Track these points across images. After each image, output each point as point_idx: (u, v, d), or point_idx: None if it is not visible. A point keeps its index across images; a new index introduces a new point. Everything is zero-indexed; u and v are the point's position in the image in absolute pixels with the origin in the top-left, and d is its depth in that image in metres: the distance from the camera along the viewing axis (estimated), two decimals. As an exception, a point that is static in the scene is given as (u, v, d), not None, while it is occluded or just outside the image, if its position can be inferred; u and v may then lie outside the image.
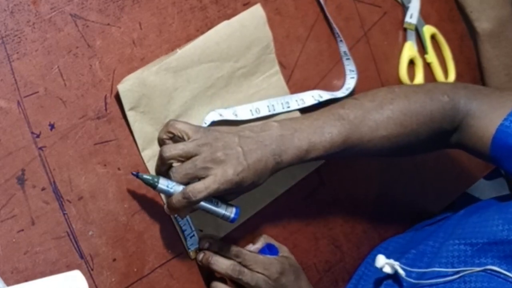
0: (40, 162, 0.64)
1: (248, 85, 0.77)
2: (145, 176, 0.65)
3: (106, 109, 0.68)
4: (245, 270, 0.72)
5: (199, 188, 0.64)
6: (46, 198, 0.65)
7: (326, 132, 0.70)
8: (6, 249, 0.62)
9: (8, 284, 0.61)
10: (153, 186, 0.65)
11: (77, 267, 0.65)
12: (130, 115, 0.69)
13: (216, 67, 0.74)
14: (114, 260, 0.68)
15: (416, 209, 0.93)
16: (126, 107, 0.68)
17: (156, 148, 0.69)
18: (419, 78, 0.94)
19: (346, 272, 0.86)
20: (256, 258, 0.73)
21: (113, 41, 0.69)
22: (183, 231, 0.72)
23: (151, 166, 0.70)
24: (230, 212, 0.68)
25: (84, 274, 0.62)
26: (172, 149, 0.65)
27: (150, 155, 0.70)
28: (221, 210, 0.67)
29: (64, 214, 0.65)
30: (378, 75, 0.90)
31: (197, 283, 0.74)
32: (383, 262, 0.74)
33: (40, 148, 0.65)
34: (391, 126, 0.73)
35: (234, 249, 0.72)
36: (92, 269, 0.67)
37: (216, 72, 0.74)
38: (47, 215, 0.64)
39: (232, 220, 0.68)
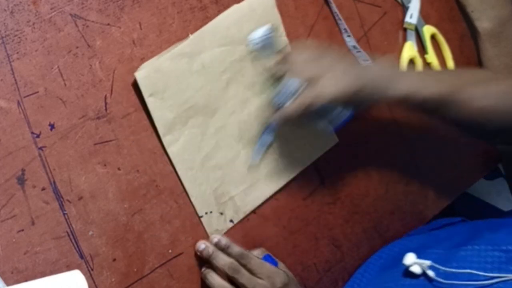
0: (40, 162, 0.64)
1: (261, 69, 0.77)
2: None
3: (106, 109, 0.68)
4: (244, 271, 0.71)
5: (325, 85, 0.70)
6: (46, 198, 0.65)
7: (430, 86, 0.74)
8: (6, 249, 0.62)
9: (8, 284, 0.61)
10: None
11: (77, 267, 0.65)
12: (149, 101, 0.69)
13: (229, 51, 0.75)
14: (114, 260, 0.68)
15: (416, 209, 0.93)
16: (145, 94, 0.69)
17: (176, 133, 0.71)
18: (419, 78, 0.93)
19: (346, 272, 0.86)
20: (262, 264, 0.72)
21: (113, 41, 0.69)
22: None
23: (172, 152, 0.71)
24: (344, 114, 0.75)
25: (84, 274, 0.62)
26: (300, 54, 0.73)
27: (171, 140, 0.71)
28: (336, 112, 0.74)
29: (64, 214, 0.65)
30: (378, 75, 0.90)
31: (197, 283, 0.74)
32: (412, 261, 0.71)
33: (40, 148, 0.65)
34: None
35: (241, 250, 0.72)
36: (92, 269, 0.67)
37: (229, 56, 0.75)
38: (47, 215, 0.64)
39: (338, 127, 0.77)
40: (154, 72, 0.69)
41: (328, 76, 0.71)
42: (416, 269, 0.71)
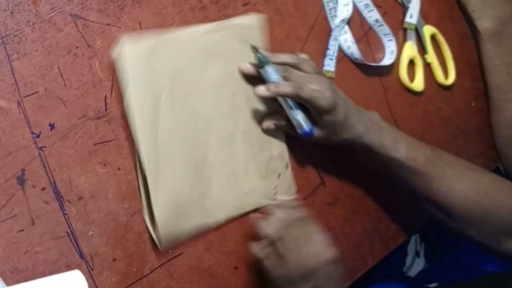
0: (40, 162, 0.64)
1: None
2: (259, 54, 0.73)
3: (106, 109, 0.68)
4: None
5: (310, 87, 0.72)
6: (46, 198, 0.65)
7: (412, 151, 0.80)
8: (6, 249, 0.62)
9: (8, 284, 0.61)
10: (261, 66, 0.73)
11: (77, 267, 0.65)
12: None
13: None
14: (114, 260, 0.68)
15: (416, 209, 0.93)
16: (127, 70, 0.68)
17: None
18: (419, 78, 0.94)
19: (346, 272, 0.86)
20: (317, 232, 0.74)
21: (113, 41, 0.69)
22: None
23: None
24: (308, 126, 0.75)
25: (84, 274, 0.62)
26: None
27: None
28: (304, 117, 0.75)
29: (64, 214, 0.65)
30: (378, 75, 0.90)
31: (197, 283, 0.74)
32: None
33: (40, 148, 0.65)
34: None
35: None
36: (92, 269, 0.67)
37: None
38: (47, 215, 0.64)
39: (304, 134, 0.75)
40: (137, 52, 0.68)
41: (347, 125, 0.77)
42: None
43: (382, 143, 0.78)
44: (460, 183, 0.80)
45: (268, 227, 0.73)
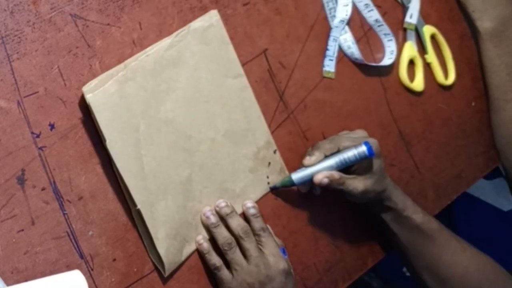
0: (40, 162, 0.64)
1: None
2: (282, 183, 0.78)
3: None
4: (253, 238, 0.73)
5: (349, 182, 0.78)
6: (46, 198, 0.65)
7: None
8: (6, 249, 0.62)
9: (8, 284, 0.61)
10: (292, 185, 0.78)
11: (77, 267, 0.65)
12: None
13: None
14: (114, 260, 0.68)
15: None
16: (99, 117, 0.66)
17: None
18: (419, 78, 0.93)
19: (346, 272, 0.86)
20: (274, 243, 0.74)
21: (113, 41, 0.69)
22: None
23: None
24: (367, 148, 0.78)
25: (84, 274, 0.62)
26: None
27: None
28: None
29: (64, 214, 0.65)
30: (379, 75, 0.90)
31: (197, 283, 0.74)
32: None
33: (40, 148, 0.65)
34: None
35: (264, 225, 0.75)
36: (92, 269, 0.67)
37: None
38: (47, 215, 0.64)
39: (370, 152, 0.77)
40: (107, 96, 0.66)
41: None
42: None
43: (405, 204, 0.82)
44: (463, 256, 0.84)
45: (225, 232, 0.73)
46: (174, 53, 0.71)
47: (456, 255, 0.84)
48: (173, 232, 0.70)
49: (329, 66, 0.85)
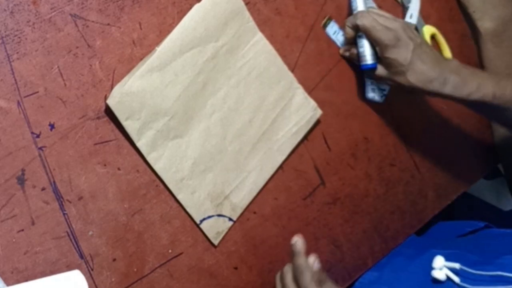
0: (40, 162, 0.64)
1: (234, 60, 0.76)
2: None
3: (106, 109, 0.68)
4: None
5: (376, 19, 0.79)
6: (46, 198, 0.65)
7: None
8: (6, 249, 0.62)
9: (8, 284, 0.61)
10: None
11: (77, 267, 0.65)
12: (127, 125, 0.68)
13: (199, 52, 0.73)
14: (114, 260, 0.68)
15: (416, 209, 0.93)
16: (121, 118, 0.68)
17: (160, 149, 0.70)
18: (419, 78, 0.93)
19: (346, 272, 0.86)
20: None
21: (113, 41, 0.69)
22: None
23: (159, 168, 0.70)
24: (371, 59, 0.81)
25: (84, 274, 0.62)
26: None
27: (156, 157, 0.70)
28: (370, 51, 0.81)
29: (64, 214, 0.65)
30: (378, 75, 0.90)
31: (197, 283, 0.74)
32: (441, 264, 0.75)
33: (40, 148, 0.65)
34: None
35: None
36: (92, 269, 0.67)
37: (201, 57, 0.73)
38: (47, 215, 0.64)
39: (364, 66, 0.80)
40: (126, 95, 0.68)
41: (413, 67, 0.78)
42: (441, 275, 0.74)
43: (461, 93, 0.79)
44: None
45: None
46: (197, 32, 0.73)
47: None
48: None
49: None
